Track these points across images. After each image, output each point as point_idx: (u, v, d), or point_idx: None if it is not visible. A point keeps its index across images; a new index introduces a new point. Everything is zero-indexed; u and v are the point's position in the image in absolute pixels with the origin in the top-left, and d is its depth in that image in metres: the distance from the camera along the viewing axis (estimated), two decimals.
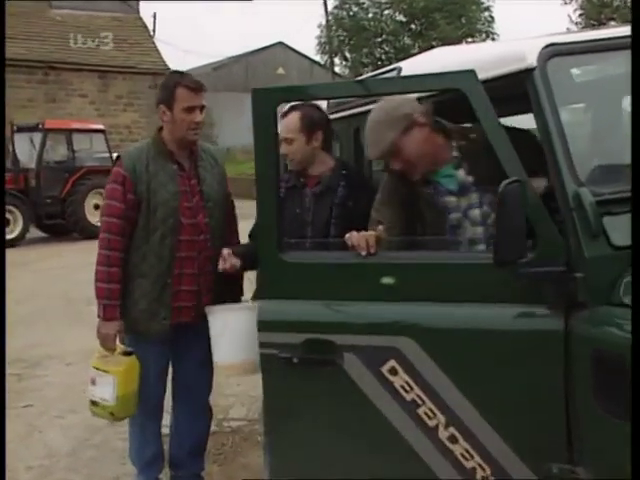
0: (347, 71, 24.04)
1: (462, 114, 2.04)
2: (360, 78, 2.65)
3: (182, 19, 74.68)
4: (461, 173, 2.14)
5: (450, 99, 2.11)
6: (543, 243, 1.71)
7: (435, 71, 1.93)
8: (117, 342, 2.55)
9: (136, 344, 2.58)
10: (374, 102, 2.66)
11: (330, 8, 23.22)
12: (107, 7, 20.68)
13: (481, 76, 1.77)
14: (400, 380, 1.84)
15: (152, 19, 23.42)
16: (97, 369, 2.54)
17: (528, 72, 1.78)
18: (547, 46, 1.81)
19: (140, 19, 21.70)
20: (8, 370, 4.65)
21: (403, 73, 2.45)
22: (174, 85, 2.53)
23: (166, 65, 19.82)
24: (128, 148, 2.75)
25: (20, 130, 13.25)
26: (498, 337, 1.76)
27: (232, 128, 23.46)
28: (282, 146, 2.43)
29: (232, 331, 2.34)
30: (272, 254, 1.95)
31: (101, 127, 13.53)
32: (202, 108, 2.58)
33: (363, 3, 22.43)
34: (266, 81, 32.30)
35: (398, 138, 2.04)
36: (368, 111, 2.79)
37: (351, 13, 22.35)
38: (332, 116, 3.17)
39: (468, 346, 1.79)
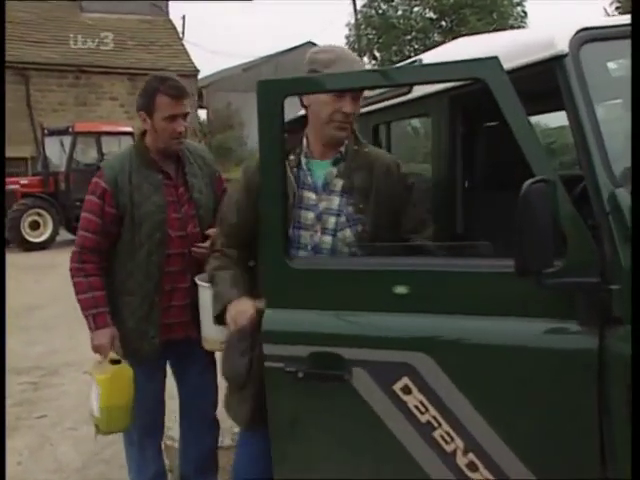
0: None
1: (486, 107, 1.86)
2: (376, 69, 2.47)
3: (211, 21, 75.24)
4: (334, 172, 2.01)
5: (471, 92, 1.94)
6: (574, 250, 1.52)
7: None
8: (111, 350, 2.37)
9: (127, 360, 2.41)
10: (394, 97, 2.52)
11: (359, 6, 23.05)
12: (137, 10, 20.87)
13: (505, 66, 1.59)
14: (414, 400, 1.67)
15: (181, 21, 23.43)
16: (90, 374, 2.38)
17: (558, 60, 1.60)
18: (580, 31, 1.63)
19: (169, 21, 21.85)
20: (25, 378, 4.64)
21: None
22: (154, 92, 2.33)
23: (195, 67, 19.91)
24: (109, 157, 2.61)
25: (51, 133, 13.40)
26: (523, 355, 1.58)
27: None
28: None
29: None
30: (277, 260, 1.80)
31: (129, 129, 13.57)
32: (185, 116, 2.40)
33: (392, 0, 22.19)
34: None
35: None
36: (388, 107, 2.65)
37: (380, 11, 22.10)
38: None
39: (489, 364, 1.61)
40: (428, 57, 2.39)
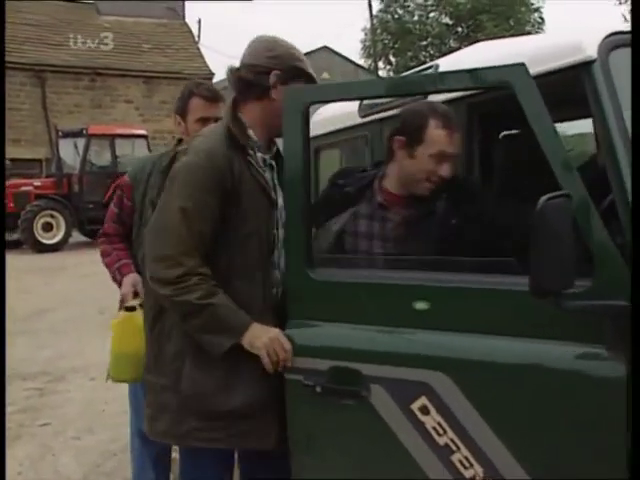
0: (392, 75, 23.73)
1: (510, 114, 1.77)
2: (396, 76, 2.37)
3: (227, 25, 75.58)
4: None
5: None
6: (602, 270, 1.42)
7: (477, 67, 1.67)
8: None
9: None
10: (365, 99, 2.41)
11: (375, 11, 22.98)
12: (153, 13, 20.94)
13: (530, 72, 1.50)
14: (432, 421, 1.59)
15: (197, 25, 23.50)
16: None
17: (586, 66, 1.51)
18: (609, 35, 1.53)
19: (185, 24, 21.91)
20: (31, 384, 4.58)
21: (440, 69, 2.19)
22: (189, 95, 2.42)
23: (210, 70, 19.92)
24: (143, 156, 2.63)
25: (65, 135, 13.45)
26: (546, 379, 1.48)
27: None
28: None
29: None
30: (299, 270, 1.75)
31: (143, 132, 13.60)
32: (217, 120, 2.36)
33: (408, 6, 22.09)
34: None
35: None
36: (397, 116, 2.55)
37: (396, 16, 22.02)
38: (363, 119, 2.93)
39: (510, 388, 1.52)
40: (444, 62, 2.30)
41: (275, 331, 1.72)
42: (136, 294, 2.29)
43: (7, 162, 15.18)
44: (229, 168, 1.74)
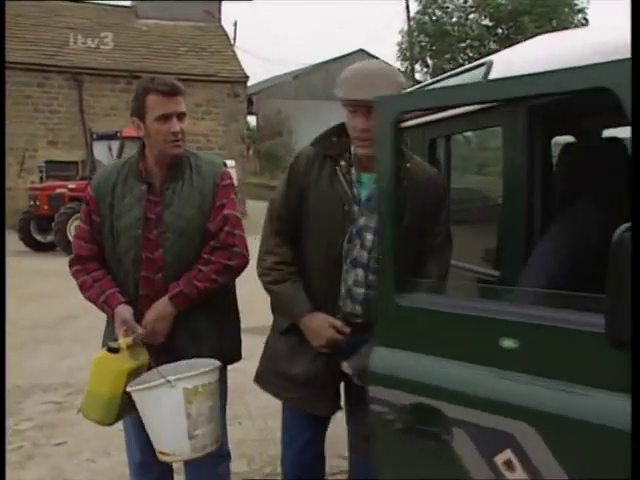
0: (428, 78, 23.35)
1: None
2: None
3: (263, 28, 75.93)
4: (374, 186, 1.96)
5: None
6: None
7: (536, 65, 1.42)
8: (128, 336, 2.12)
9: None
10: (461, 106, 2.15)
11: (413, 13, 22.62)
12: (190, 16, 20.95)
13: None
14: (517, 478, 1.39)
15: (233, 27, 23.47)
16: None
17: None
18: None
19: (221, 27, 21.86)
20: (51, 397, 4.41)
21: (495, 68, 1.91)
22: (143, 92, 2.12)
23: (245, 73, 19.82)
24: (107, 165, 2.39)
25: (99, 138, 13.44)
26: None
27: (311, 136, 23.27)
28: None
29: (153, 415, 2.00)
30: (387, 295, 1.65)
31: None
32: (180, 115, 2.14)
33: (447, 7, 21.66)
34: None
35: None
36: (447, 119, 2.28)
37: (434, 18, 21.62)
38: (403, 124, 2.66)
39: (607, 450, 1.26)
40: (498, 58, 2.01)
41: (321, 321, 2.00)
42: (127, 332, 2.10)
43: (42, 164, 15.36)
44: (306, 170, 2.05)
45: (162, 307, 2.15)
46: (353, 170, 2.01)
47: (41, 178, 14.47)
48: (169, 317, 2.16)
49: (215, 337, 2.23)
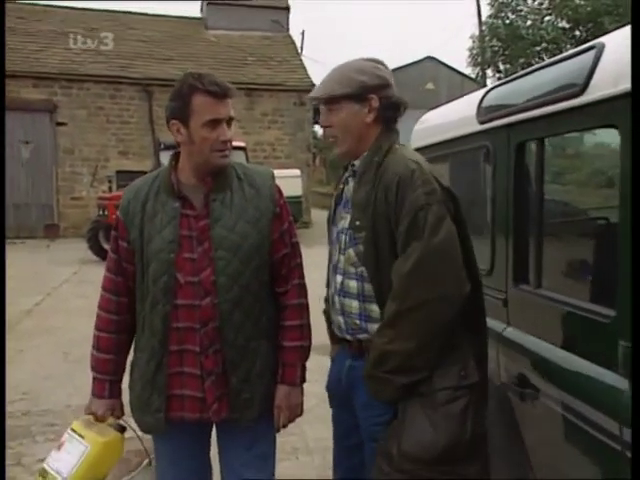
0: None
1: None
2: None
3: (330, 36, 76.30)
4: (351, 188, 1.97)
5: None
6: None
7: None
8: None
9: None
10: (553, 102, 1.76)
11: (484, 17, 21.89)
12: (259, 26, 21.04)
13: None
14: None
15: (300, 36, 23.41)
16: (74, 431, 1.95)
17: None
18: None
19: (289, 37, 21.86)
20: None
21: (607, 52, 1.51)
22: (190, 91, 1.82)
23: (312, 82, 19.66)
24: (138, 179, 2.08)
25: (166, 148, 13.49)
26: None
27: None
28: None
29: None
30: None
31: (242, 144, 13.42)
32: (230, 121, 1.85)
33: (521, 10, 20.82)
34: (414, 97, 31.63)
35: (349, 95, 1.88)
36: (542, 117, 1.88)
37: (507, 21, 20.80)
38: (484, 126, 2.27)
39: None
40: (615, 40, 1.61)
41: None
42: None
43: (111, 174, 15.62)
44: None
45: (293, 399, 1.98)
46: (348, 174, 2.03)
47: (110, 188, 14.69)
48: (300, 399, 2.00)
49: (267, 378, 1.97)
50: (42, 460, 3.66)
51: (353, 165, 1.97)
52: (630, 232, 1.42)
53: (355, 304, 1.90)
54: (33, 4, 19.77)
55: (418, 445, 1.69)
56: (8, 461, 3.67)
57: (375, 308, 1.87)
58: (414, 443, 1.70)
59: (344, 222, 1.95)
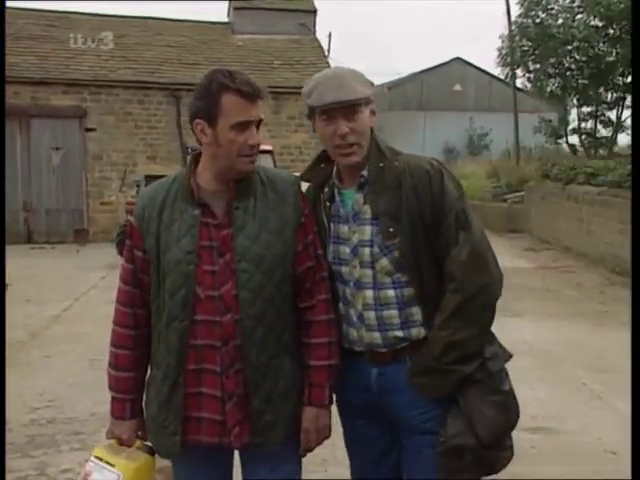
0: (529, 85, 22.16)
1: None
2: None
3: (357, 38, 76.31)
4: (360, 199, 1.95)
5: None
6: None
7: None
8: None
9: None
10: None
11: (514, 17, 21.57)
12: (286, 30, 21.08)
13: None
14: None
15: (327, 39, 23.42)
16: (99, 459, 1.84)
17: None
18: None
19: (316, 39, 21.84)
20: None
21: None
22: (219, 89, 1.73)
23: None
24: (153, 183, 1.98)
25: (193, 151, 13.51)
26: None
27: (405, 147, 22.70)
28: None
29: None
30: None
31: (268, 148, 13.40)
32: (259, 123, 1.76)
33: (552, 9, 20.42)
34: (441, 98, 31.35)
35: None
36: None
37: (537, 20, 20.42)
38: None
39: None
40: None
41: None
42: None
43: (139, 178, 15.70)
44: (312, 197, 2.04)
45: (322, 422, 1.89)
46: (335, 190, 1.99)
47: (138, 192, 14.78)
48: (329, 420, 1.91)
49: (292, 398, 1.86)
50: (67, 470, 3.64)
51: (362, 176, 1.95)
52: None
53: (395, 313, 1.87)
54: (63, 11, 20.02)
55: (495, 431, 1.78)
56: (31, 471, 3.63)
57: (416, 310, 1.87)
58: (491, 431, 1.77)
59: (360, 235, 1.92)
